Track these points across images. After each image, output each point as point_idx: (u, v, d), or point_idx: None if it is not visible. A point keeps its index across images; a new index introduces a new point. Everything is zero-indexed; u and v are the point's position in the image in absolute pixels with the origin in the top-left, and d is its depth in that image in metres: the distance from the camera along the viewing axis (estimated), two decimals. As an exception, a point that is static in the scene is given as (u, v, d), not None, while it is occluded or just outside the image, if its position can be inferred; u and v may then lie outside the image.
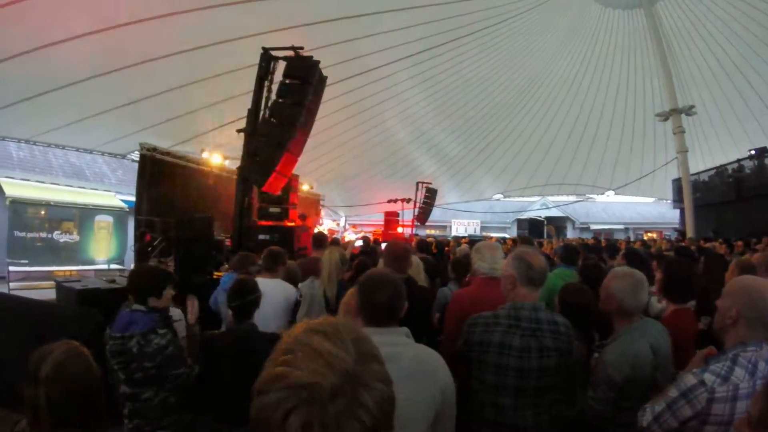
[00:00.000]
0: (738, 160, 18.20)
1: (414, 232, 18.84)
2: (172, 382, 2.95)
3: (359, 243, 11.57)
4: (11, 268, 14.97)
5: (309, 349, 0.78)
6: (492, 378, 2.38)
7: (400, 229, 18.97)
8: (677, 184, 20.62)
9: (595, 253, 7.23)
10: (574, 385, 2.77)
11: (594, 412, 2.57)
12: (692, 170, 18.49)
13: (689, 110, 16.87)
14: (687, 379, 1.92)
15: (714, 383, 1.84)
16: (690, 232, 16.25)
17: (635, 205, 34.14)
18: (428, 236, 17.87)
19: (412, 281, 3.60)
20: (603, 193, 27.49)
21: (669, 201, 25.50)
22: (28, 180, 17.33)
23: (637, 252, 6.35)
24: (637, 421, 2.07)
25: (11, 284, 13.51)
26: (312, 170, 17.29)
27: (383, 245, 7.60)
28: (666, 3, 16.28)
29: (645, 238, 26.14)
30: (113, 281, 6.42)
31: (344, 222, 26.74)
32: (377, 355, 0.85)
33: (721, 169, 19.65)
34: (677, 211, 22.50)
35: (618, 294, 2.62)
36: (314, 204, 20.04)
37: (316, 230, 13.38)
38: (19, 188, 16.47)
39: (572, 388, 2.77)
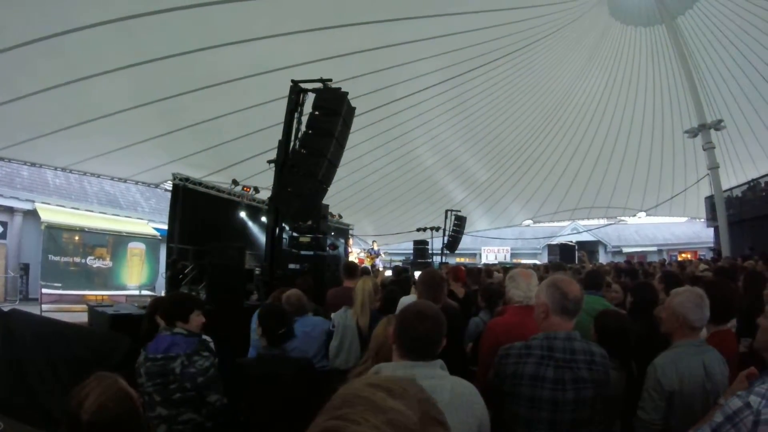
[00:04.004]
0: (770, 173, 17.80)
1: (443, 260, 18.66)
2: (208, 409, 2.97)
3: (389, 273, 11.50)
4: (44, 291, 15.40)
5: (371, 404, 0.68)
6: (525, 411, 2.32)
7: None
8: (710, 201, 20.15)
9: (630, 276, 7.11)
10: (611, 417, 2.71)
11: (642, 424, 2.53)
12: (724, 186, 18.03)
13: (718, 125, 16.55)
14: (733, 402, 1.84)
15: (760, 405, 1.77)
16: (726, 251, 15.83)
17: (668, 225, 33.13)
18: (458, 264, 17.74)
19: (446, 310, 3.56)
20: (634, 215, 26.95)
21: (703, 220, 24.89)
22: (63, 206, 17.84)
23: (674, 274, 6.21)
24: None
25: (43, 306, 13.85)
26: (342, 200, 17.37)
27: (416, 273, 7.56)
28: (687, 17, 16.17)
29: (679, 259, 25.53)
30: (144, 307, 6.53)
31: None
32: (444, 421, 0.77)
33: (753, 183, 19.19)
34: (712, 230, 21.97)
35: (681, 309, 2.60)
36: (344, 233, 20.12)
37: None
38: (54, 214, 17.02)
39: (610, 422, 2.71)
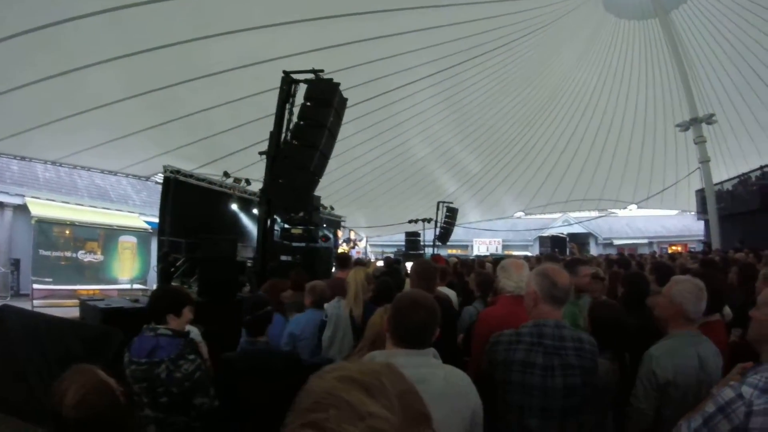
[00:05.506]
0: (761, 167, 17.94)
1: (435, 251, 18.72)
2: (196, 410, 2.91)
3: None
4: (35, 286, 15.32)
5: (346, 407, 0.62)
6: (517, 398, 2.34)
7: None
8: (701, 194, 20.33)
9: (623, 267, 7.14)
10: (604, 405, 2.72)
11: (635, 412, 2.56)
12: (715, 180, 18.21)
13: (709, 119, 16.68)
14: (725, 393, 1.85)
15: (752, 396, 1.78)
16: (716, 244, 15.96)
17: (659, 218, 33.44)
18: (450, 256, 17.80)
19: (440, 300, 3.55)
20: (625, 208, 27.15)
21: (693, 213, 25.06)
22: (53, 200, 17.69)
23: (665, 265, 6.24)
24: None
25: (35, 301, 13.79)
26: (334, 191, 17.32)
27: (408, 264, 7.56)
28: (680, 11, 16.22)
29: (669, 251, 25.71)
30: (136, 300, 6.49)
31: (365, 243, 26.79)
32: (427, 413, 0.71)
33: (744, 178, 19.31)
34: (702, 223, 22.12)
35: (679, 299, 2.61)
36: (335, 225, 20.08)
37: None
38: (44, 208, 16.87)
39: (602, 410, 2.72)
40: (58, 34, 8.15)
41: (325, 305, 4.34)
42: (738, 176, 19.79)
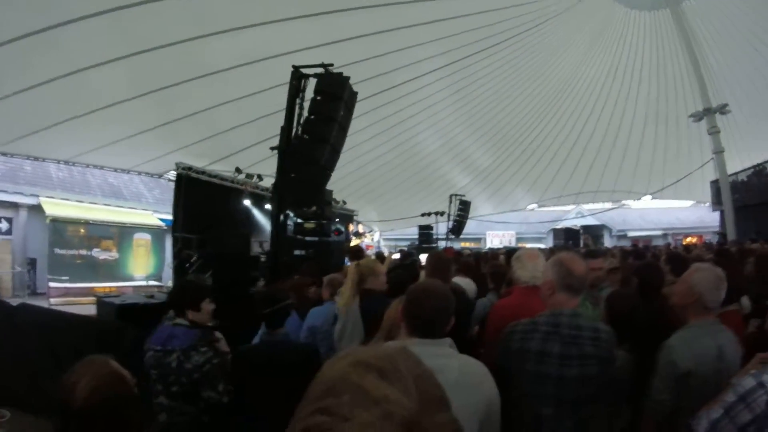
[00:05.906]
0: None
1: (448, 244, 18.70)
2: (204, 403, 2.95)
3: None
4: (51, 284, 15.53)
5: (360, 392, 0.59)
6: (531, 387, 2.33)
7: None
8: (715, 185, 20.10)
9: (638, 258, 7.11)
10: (619, 397, 2.69)
11: (653, 404, 2.52)
12: (730, 170, 18.00)
13: (723, 109, 16.48)
14: (746, 382, 1.83)
15: None
16: (731, 235, 15.80)
17: (673, 210, 33.09)
18: (463, 249, 17.74)
19: (455, 290, 3.54)
20: (639, 199, 26.89)
21: (708, 204, 24.77)
22: (67, 199, 17.91)
23: (679, 255, 6.19)
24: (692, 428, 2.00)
25: (51, 300, 13.96)
26: (345, 186, 17.27)
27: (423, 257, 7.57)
28: (692, 1, 15.99)
29: (684, 243, 25.47)
30: (152, 296, 6.57)
31: (378, 236, 26.74)
32: (444, 397, 0.69)
33: (759, 168, 19.03)
34: (717, 214, 21.87)
35: (698, 287, 2.57)
36: (348, 219, 20.07)
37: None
38: (59, 207, 17.08)
39: (617, 401, 2.69)
40: (61, 36, 8.17)
41: (335, 298, 4.35)
42: (752, 167, 19.50)
